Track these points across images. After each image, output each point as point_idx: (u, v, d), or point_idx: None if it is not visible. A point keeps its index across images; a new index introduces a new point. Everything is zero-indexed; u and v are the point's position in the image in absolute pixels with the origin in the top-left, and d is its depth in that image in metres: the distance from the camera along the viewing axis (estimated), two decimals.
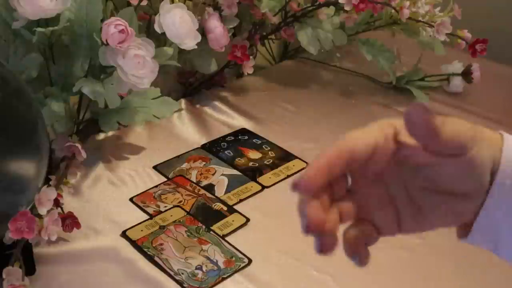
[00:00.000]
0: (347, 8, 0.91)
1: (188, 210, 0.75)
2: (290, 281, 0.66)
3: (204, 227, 0.72)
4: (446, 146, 0.44)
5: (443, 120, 0.44)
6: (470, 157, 0.44)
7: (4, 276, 0.59)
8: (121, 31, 0.68)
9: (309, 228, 0.46)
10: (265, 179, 0.82)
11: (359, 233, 0.48)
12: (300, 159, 0.86)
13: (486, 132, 0.46)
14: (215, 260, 0.68)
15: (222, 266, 0.67)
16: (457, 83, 1.03)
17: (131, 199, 0.77)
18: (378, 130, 0.47)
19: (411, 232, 0.49)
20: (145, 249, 0.69)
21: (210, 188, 0.79)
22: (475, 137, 0.44)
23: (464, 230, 0.48)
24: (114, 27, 0.68)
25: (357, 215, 0.48)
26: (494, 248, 0.48)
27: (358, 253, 0.48)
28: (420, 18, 0.94)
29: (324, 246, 0.45)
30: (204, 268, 0.67)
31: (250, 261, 0.68)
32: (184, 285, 0.64)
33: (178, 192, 0.78)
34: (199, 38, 0.81)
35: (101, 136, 0.89)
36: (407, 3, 0.93)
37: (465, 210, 0.47)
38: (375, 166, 0.47)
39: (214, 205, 0.76)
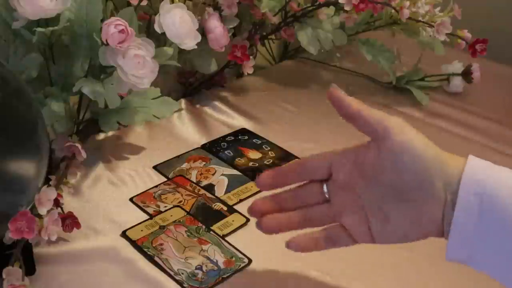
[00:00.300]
0: (347, 8, 0.91)
1: (188, 210, 0.75)
2: (290, 281, 0.66)
3: (204, 227, 0.72)
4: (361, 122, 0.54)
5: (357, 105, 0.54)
6: (400, 142, 0.51)
7: (4, 276, 0.59)
8: (121, 31, 0.68)
9: (249, 209, 0.58)
10: None
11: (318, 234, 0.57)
12: (300, 159, 0.86)
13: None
14: (215, 260, 0.68)
15: (222, 266, 0.67)
16: (457, 83, 1.03)
17: (131, 199, 0.77)
18: (336, 149, 0.57)
19: (384, 241, 0.55)
20: (145, 249, 0.69)
21: (210, 188, 0.80)
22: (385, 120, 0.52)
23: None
24: (114, 27, 0.68)
25: (334, 221, 0.56)
26: (468, 260, 0.52)
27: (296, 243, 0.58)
28: (420, 18, 0.94)
29: (263, 226, 0.57)
30: (204, 268, 0.67)
31: (250, 261, 0.68)
32: (184, 285, 0.64)
33: (178, 192, 0.78)
34: (199, 38, 0.81)
35: (101, 136, 0.89)
36: (407, 3, 0.93)
37: (423, 218, 0.52)
38: (340, 177, 0.55)
39: (214, 205, 0.76)
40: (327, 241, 0.57)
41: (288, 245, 0.57)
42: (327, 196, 0.57)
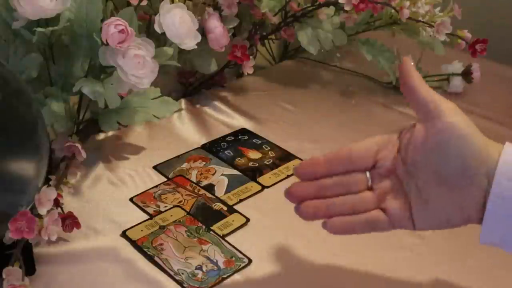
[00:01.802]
0: (347, 8, 0.91)
1: (188, 210, 0.75)
2: (290, 281, 0.66)
3: (204, 227, 0.72)
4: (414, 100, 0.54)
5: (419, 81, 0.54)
6: (450, 124, 0.52)
7: (4, 276, 0.59)
8: (121, 31, 0.68)
9: (287, 193, 0.57)
10: (265, 179, 0.82)
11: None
12: (300, 159, 0.86)
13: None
14: (215, 260, 0.68)
15: (222, 266, 0.67)
16: (457, 83, 1.03)
17: (131, 199, 0.77)
18: (379, 136, 0.57)
19: (425, 226, 0.55)
20: (145, 249, 0.69)
21: (210, 188, 0.80)
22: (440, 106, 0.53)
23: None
24: (114, 27, 0.68)
25: (376, 207, 0.56)
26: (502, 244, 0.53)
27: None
28: (420, 18, 0.94)
29: (301, 211, 0.57)
30: (204, 268, 0.67)
31: (250, 261, 0.68)
32: (184, 285, 0.64)
33: (178, 192, 0.78)
34: (199, 38, 0.81)
35: (101, 136, 0.89)
36: (407, 3, 0.93)
37: (464, 203, 0.52)
38: (385, 165, 0.56)
39: (214, 205, 0.76)
40: (365, 226, 0.56)
41: (325, 225, 0.57)
42: (370, 184, 0.56)
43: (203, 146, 0.88)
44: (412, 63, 0.56)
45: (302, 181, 0.58)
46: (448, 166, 0.52)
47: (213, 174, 0.82)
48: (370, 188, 0.57)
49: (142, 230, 0.71)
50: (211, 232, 0.72)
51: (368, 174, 0.57)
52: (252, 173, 0.83)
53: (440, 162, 0.52)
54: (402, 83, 0.55)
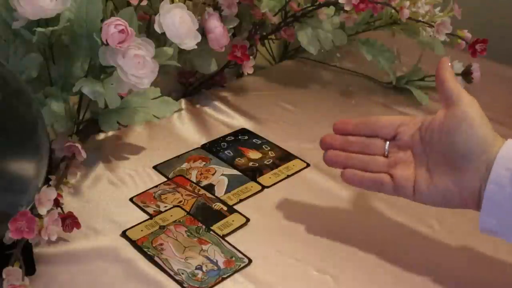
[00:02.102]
0: (347, 8, 0.91)
1: (188, 210, 0.75)
2: (290, 281, 0.66)
3: (204, 227, 0.72)
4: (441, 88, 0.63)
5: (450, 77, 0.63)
6: (463, 112, 0.59)
7: (4, 276, 0.59)
8: (121, 31, 0.68)
9: (322, 140, 0.70)
10: (265, 179, 0.82)
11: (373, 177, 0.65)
12: (300, 159, 0.86)
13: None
14: (215, 260, 0.68)
15: (222, 266, 0.67)
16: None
17: (131, 199, 0.77)
18: (405, 116, 0.68)
19: (424, 200, 0.63)
20: (145, 249, 0.69)
21: (210, 188, 0.80)
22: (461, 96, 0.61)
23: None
24: (114, 27, 0.68)
25: (386, 172, 0.65)
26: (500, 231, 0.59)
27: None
28: (420, 18, 0.94)
29: (326, 157, 0.68)
30: (204, 268, 0.67)
31: (250, 261, 0.68)
32: (184, 285, 0.64)
33: (178, 192, 0.78)
34: (199, 38, 0.81)
35: (101, 136, 0.89)
36: (407, 3, 0.93)
37: (463, 185, 0.59)
38: (403, 138, 0.65)
39: (214, 205, 0.76)
40: (371, 183, 0.65)
41: (343, 173, 0.67)
42: (386, 153, 0.66)
43: (203, 146, 0.88)
44: (450, 63, 0.65)
45: (333, 134, 0.69)
46: (454, 148, 0.59)
47: (213, 174, 0.82)
48: (385, 156, 0.66)
49: (142, 230, 0.71)
50: (211, 232, 0.72)
51: (387, 144, 0.66)
52: (252, 173, 0.83)
53: (449, 143, 0.60)
54: (436, 75, 0.64)
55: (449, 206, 0.62)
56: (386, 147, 0.66)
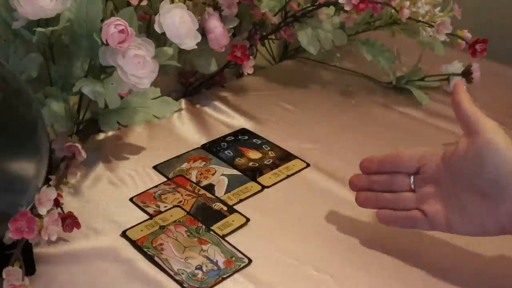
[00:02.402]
0: (347, 8, 0.91)
1: (188, 210, 0.75)
2: (290, 281, 0.66)
3: (204, 227, 0.72)
4: (460, 115, 0.61)
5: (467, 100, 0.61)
6: (487, 139, 0.58)
7: (4, 276, 0.59)
8: (121, 31, 0.68)
9: (350, 182, 0.69)
10: (265, 179, 0.82)
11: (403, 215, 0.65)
12: (300, 159, 0.86)
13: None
14: (215, 260, 0.68)
15: (222, 266, 0.67)
16: None
17: (131, 199, 0.77)
18: (425, 148, 0.65)
19: (460, 231, 0.62)
20: (145, 249, 0.69)
21: (210, 188, 0.80)
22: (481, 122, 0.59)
23: None
24: (114, 27, 0.68)
25: (416, 208, 0.64)
26: None
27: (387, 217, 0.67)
28: (420, 18, 0.94)
29: (357, 199, 0.69)
30: (204, 268, 0.67)
31: (250, 261, 0.68)
32: (184, 285, 0.64)
33: (178, 192, 0.78)
34: (199, 38, 0.81)
35: (101, 136, 0.89)
36: (407, 3, 0.93)
37: (498, 212, 0.58)
38: (428, 172, 0.63)
39: (214, 205, 0.76)
40: (406, 221, 0.65)
41: (378, 215, 0.67)
42: (412, 187, 0.65)
43: (203, 146, 0.88)
44: (464, 86, 0.64)
45: (360, 174, 0.69)
46: (483, 176, 0.58)
47: (213, 174, 0.82)
48: (412, 190, 0.65)
49: (142, 230, 0.71)
50: (211, 232, 0.72)
51: (412, 179, 0.65)
52: (252, 173, 0.83)
53: (476, 172, 0.58)
54: (452, 101, 0.63)
55: (488, 234, 0.61)
56: (411, 182, 0.65)
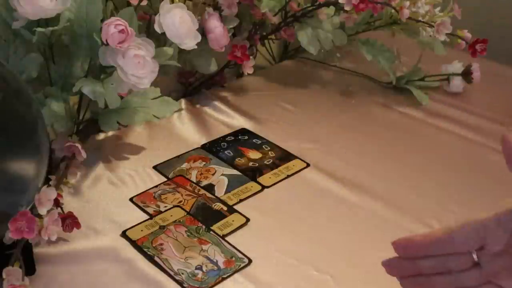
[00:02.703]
0: (347, 8, 0.91)
1: (188, 210, 0.75)
2: (290, 281, 0.66)
3: (204, 227, 0.72)
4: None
5: None
6: None
7: (4, 276, 0.59)
8: (121, 31, 0.68)
9: (384, 263, 0.55)
10: (265, 179, 0.82)
11: None
12: (300, 159, 0.86)
13: None
14: (215, 260, 0.68)
15: (222, 266, 0.67)
16: (457, 83, 1.03)
17: (131, 199, 0.77)
18: (484, 218, 0.52)
19: None
20: (145, 249, 0.69)
21: (210, 188, 0.79)
22: None
23: None
24: (114, 27, 0.68)
25: (488, 283, 0.52)
26: None
27: None
28: (420, 18, 0.94)
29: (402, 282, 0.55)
30: (204, 268, 0.67)
31: (250, 261, 0.68)
32: (184, 285, 0.64)
33: (178, 192, 0.78)
34: (199, 38, 0.81)
35: (101, 136, 0.89)
36: (407, 3, 0.93)
37: None
38: (496, 247, 0.51)
39: (214, 205, 0.76)
40: None
41: None
42: (477, 261, 0.53)
43: (203, 146, 0.88)
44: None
45: (399, 259, 0.54)
46: None
47: (213, 174, 0.82)
48: (477, 264, 0.53)
49: (142, 230, 0.71)
50: (211, 232, 0.72)
51: (475, 255, 0.52)
52: (252, 173, 0.83)
53: None
54: (504, 154, 0.54)
55: None
56: (475, 258, 0.52)
